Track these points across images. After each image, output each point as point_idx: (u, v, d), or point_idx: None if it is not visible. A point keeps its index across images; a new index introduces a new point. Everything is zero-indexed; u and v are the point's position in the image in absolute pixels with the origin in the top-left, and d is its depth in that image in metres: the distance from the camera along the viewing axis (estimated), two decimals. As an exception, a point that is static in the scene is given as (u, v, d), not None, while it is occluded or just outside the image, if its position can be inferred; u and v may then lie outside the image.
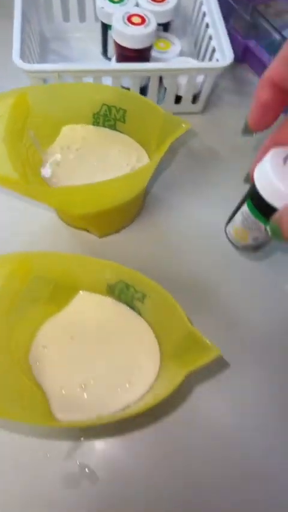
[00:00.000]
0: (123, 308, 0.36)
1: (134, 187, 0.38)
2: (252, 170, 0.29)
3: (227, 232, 0.36)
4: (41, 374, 0.34)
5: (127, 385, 0.33)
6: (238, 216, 0.33)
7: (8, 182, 0.34)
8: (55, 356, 0.34)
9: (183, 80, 0.49)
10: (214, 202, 0.47)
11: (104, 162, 0.42)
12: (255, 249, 0.35)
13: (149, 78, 0.48)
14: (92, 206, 0.38)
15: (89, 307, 0.36)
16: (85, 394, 0.33)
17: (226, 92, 0.56)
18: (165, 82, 0.50)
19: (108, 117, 0.43)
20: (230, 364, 0.37)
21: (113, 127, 0.44)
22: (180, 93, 0.51)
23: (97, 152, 0.43)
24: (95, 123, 0.44)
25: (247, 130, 0.28)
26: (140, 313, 0.36)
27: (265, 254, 0.44)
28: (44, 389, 0.33)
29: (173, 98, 0.51)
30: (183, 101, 0.51)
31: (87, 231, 0.44)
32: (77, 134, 0.43)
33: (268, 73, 0.24)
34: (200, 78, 0.49)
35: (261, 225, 0.30)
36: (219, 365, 0.37)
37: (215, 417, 0.36)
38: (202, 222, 0.46)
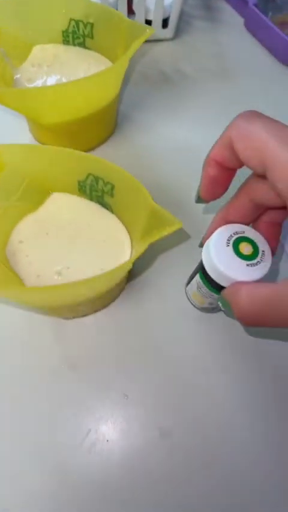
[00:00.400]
0: (95, 206, 0.38)
1: (102, 91, 0.39)
2: (205, 240, 0.31)
3: (186, 292, 0.38)
4: (18, 265, 0.35)
5: (101, 271, 0.35)
6: (194, 283, 0.35)
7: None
8: (31, 249, 0.36)
9: (151, 4, 0.50)
10: (186, 121, 0.49)
11: (75, 78, 0.44)
12: (213, 310, 0.37)
13: (117, 2, 0.49)
14: (64, 112, 0.39)
15: (63, 207, 0.38)
16: (60, 279, 0.35)
17: (197, 19, 0.57)
18: (134, 5, 0.51)
19: (77, 34, 0.44)
20: (191, 236, 0.39)
21: (82, 44, 0.45)
22: (150, 17, 0.52)
23: (68, 69, 0.44)
24: (65, 41, 0.45)
25: (200, 200, 0.30)
26: (111, 210, 0.38)
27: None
28: (21, 278, 0.35)
29: (142, 23, 0.52)
30: (153, 25, 0.52)
31: (63, 150, 0.46)
32: (48, 52, 0.45)
33: (211, 154, 0.27)
34: (168, 1, 0.50)
35: (214, 294, 0.32)
36: (180, 237, 0.40)
37: (176, 279, 0.39)
38: (174, 139, 0.47)
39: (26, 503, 0.32)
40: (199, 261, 0.32)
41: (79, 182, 0.37)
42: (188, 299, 0.38)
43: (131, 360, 0.36)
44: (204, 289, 0.33)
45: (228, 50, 0.54)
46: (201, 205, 0.43)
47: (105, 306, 0.38)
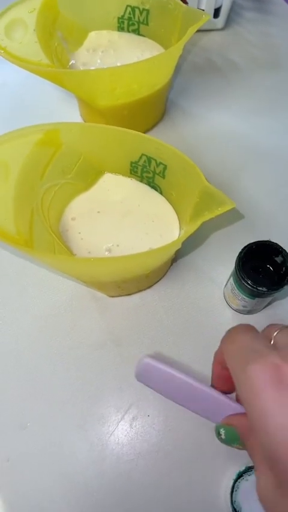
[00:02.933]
0: (145, 187, 0.39)
1: (156, 75, 0.40)
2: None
3: (224, 293, 0.39)
4: (70, 241, 0.37)
5: (149, 249, 0.36)
6: (228, 285, 0.36)
7: (42, 66, 0.37)
8: (83, 226, 0.37)
9: (204, -7, 0.51)
10: (234, 110, 0.49)
11: (128, 63, 0.44)
12: (247, 312, 0.38)
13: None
14: (118, 95, 0.40)
15: (114, 187, 0.39)
16: (110, 255, 0.35)
17: (246, 10, 0.57)
18: (187, -5, 0.52)
19: (132, 21, 0.45)
20: (245, 216, 0.39)
21: (137, 31, 0.46)
22: (202, 7, 0.52)
23: (122, 55, 0.45)
24: (120, 28, 0.46)
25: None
26: (161, 192, 0.38)
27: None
28: (73, 253, 0.36)
29: (195, 12, 0.52)
30: (204, 15, 0.53)
31: (111, 134, 0.47)
32: (102, 38, 0.46)
33: (216, 356, 0.26)
34: (221, -10, 0.50)
35: (246, 298, 0.33)
36: (234, 217, 0.40)
37: (223, 263, 0.39)
38: (221, 127, 0.48)
39: (71, 469, 0.33)
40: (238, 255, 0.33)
41: (131, 163, 0.38)
42: (225, 299, 0.38)
43: (172, 340, 0.37)
44: (236, 291, 0.34)
45: (278, 41, 0.54)
46: (252, 190, 0.43)
47: (150, 285, 0.39)
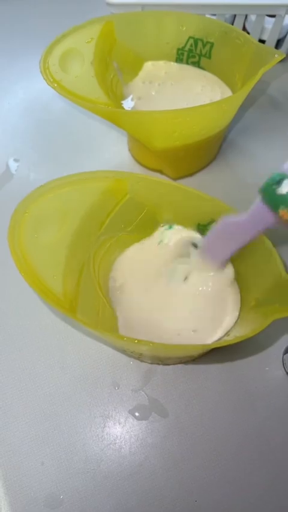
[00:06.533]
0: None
1: (220, 118, 0.36)
2: None
3: (283, 360, 0.35)
4: (115, 297, 0.33)
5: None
6: None
7: (100, 104, 0.34)
8: (135, 285, 0.34)
9: (268, 23, 0.47)
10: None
11: (186, 98, 0.41)
12: None
13: (232, 21, 0.47)
14: (177, 137, 0.36)
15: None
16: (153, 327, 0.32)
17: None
18: (248, 24, 0.48)
19: (193, 53, 0.42)
20: None
21: (197, 64, 0.42)
22: (264, 37, 0.48)
23: (179, 88, 0.42)
24: (179, 59, 0.43)
25: None
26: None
27: None
28: (114, 310, 0.32)
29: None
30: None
31: (161, 172, 0.43)
32: (159, 70, 0.42)
33: None
34: (287, 21, 0.46)
35: None
36: None
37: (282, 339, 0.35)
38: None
39: None
40: None
41: (199, 225, 0.34)
42: (284, 367, 0.35)
43: (221, 416, 0.34)
44: None
45: None
46: None
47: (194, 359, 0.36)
